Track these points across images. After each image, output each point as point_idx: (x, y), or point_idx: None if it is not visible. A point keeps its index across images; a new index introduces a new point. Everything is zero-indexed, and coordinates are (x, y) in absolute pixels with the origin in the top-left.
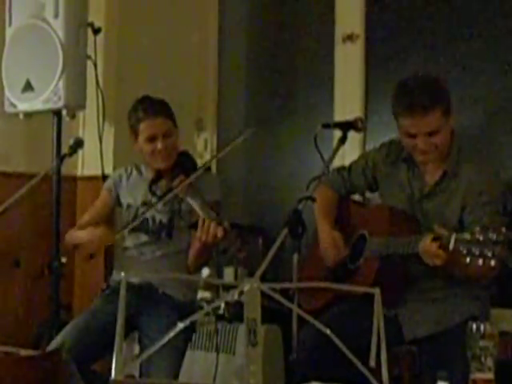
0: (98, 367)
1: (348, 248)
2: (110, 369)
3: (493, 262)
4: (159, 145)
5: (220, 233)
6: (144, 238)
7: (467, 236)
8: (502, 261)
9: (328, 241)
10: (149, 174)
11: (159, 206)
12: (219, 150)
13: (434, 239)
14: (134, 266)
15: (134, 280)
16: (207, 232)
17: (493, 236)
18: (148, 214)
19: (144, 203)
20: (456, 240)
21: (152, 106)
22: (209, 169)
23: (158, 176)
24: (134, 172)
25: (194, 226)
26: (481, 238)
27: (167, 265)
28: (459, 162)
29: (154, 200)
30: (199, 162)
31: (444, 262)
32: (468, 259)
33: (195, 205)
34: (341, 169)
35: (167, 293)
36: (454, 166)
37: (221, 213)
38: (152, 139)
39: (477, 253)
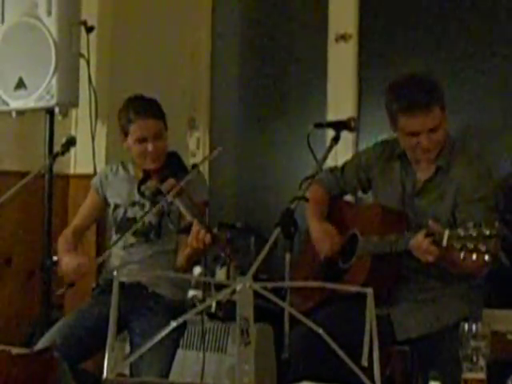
0: (88, 367)
1: (343, 238)
2: (101, 368)
3: (487, 257)
4: (149, 146)
5: (208, 240)
6: (132, 239)
7: (461, 232)
8: (495, 256)
9: (321, 233)
10: (136, 173)
11: (147, 206)
12: (211, 150)
13: (427, 235)
14: (123, 265)
15: (124, 279)
16: (197, 238)
17: (486, 231)
18: (137, 215)
19: (132, 203)
20: (449, 236)
21: (144, 107)
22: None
23: (147, 176)
24: (121, 170)
25: (183, 231)
26: (474, 234)
27: (156, 264)
28: (452, 159)
29: (142, 201)
30: (191, 161)
31: (436, 258)
32: (462, 254)
33: (184, 209)
34: (334, 169)
35: (157, 292)
36: (446, 163)
37: (208, 213)
38: (142, 140)
39: (471, 248)
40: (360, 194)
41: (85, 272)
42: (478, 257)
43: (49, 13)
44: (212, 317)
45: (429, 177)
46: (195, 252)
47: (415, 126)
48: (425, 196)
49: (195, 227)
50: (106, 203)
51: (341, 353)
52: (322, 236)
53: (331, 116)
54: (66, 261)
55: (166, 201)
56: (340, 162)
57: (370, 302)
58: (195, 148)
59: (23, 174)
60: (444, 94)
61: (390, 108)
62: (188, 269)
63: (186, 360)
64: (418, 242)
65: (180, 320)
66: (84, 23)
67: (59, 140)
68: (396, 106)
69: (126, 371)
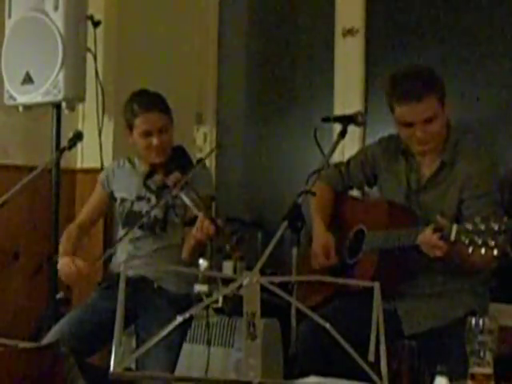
0: (95, 361)
1: (338, 256)
2: (108, 362)
3: (495, 252)
4: (154, 140)
5: (212, 230)
6: (138, 232)
7: (469, 226)
8: (503, 251)
9: (320, 246)
10: (143, 168)
11: (153, 200)
12: (217, 145)
13: (435, 230)
14: (130, 260)
15: (130, 274)
16: (202, 230)
17: (495, 226)
18: (143, 209)
19: (138, 197)
20: (457, 231)
21: (148, 101)
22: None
23: (153, 170)
24: (127, 165)
25: (189, 223)
26: (482, 228)
27: (162, 258)
28: (456, 154)
29: (148, 195)
30: (198, 156)
31: (444, 253)
32: (470, 249)
33: (189, 201)
34: (339, 164)
35: (163, 286)
36: (451, 158)
37: (215, 207)
38: (147, 134)
39: (479, 242)
40: (366, 188)
41: (82, 277)
42: (486, 252)
43: (56, 7)
44: (219, 311)
45: (433, 172)
46: (199, 244)
47: (409, 115)
48: (429, 191)
49: (200, 219)
50: (112, 198)
51: (348, 347)
52: (319, 250)
53: (338, 110)
54: (62, 263)
55: (171, 194)
56: (347, 157)
57: (377, 295)
58: (202, 143)
59: (30, 169)
60: (443, 86)
61: (388, 98)
62: (193, 261)
63: (192, 354)
64: (426, 237)
65: (186, 314)
66: (91, 18)
67: (66, 134)
68: (392, 96)
69: (133, 365)
